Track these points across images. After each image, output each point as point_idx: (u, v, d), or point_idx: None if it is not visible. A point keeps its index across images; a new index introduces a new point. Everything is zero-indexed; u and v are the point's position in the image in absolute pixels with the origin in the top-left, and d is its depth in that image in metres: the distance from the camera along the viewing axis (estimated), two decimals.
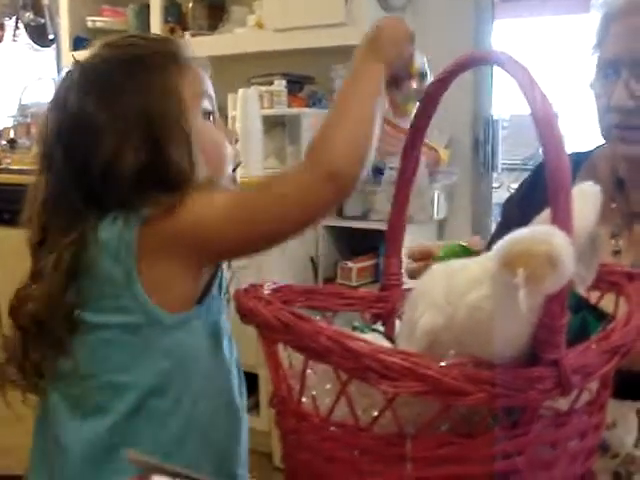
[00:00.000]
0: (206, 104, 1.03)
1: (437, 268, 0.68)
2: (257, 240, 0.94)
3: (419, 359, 0.61)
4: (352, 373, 0.62)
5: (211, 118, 1.04)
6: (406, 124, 0.94)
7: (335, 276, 2.92)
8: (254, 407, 2.72)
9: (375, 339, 0.76)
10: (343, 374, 0.63)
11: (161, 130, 0.94)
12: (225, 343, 1.02)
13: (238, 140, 1.10)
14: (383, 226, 2.82)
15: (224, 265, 1.05)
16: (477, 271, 0.63)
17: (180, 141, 0.95)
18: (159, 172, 0.92)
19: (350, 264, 2.83)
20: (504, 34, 3.10)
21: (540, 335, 0.60)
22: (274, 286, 0.77)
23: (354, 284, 2.81)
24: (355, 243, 3.00)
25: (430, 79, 0.96)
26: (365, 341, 0.62)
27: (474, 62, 0.80)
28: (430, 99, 0.84)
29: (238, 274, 1.10)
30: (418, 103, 0.92)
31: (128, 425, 0.92)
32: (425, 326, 0.64)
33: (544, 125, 0.60)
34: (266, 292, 0.73)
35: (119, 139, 0.92)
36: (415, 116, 0.88)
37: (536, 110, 0.60)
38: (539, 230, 0.57)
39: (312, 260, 2.97)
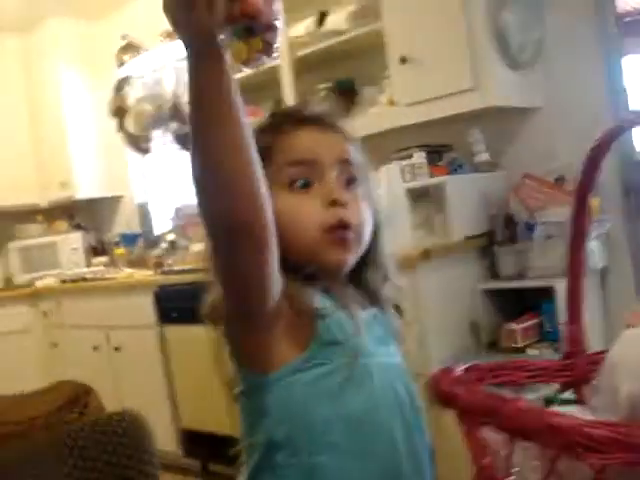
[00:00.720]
0: (291, 173, 1.04)
1: (631, 334, 0.68)
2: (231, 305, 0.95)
3: (625, 428, 0.60)
4: (559, 450, 0.62)
5: (312, 184, 1.04)
6: (260, 62, 0.75)
7: (497, 339, 2.88)
8: None
9: (574, 412, 0.76)
10: (551, 451, 0.64)
11: None
12: (367, 394, 0.99)
13: (336, 201, 1.03)
14: (540, 283, 2.77)
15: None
16: None
17: None
18: None
19: (514, 326, 2.78)
20: (634, 70, 3.04)
21: None
22: (463, 366, 0.78)
23: (519, 346, 2.76)
24: (514, 303, 2.95)
25: None
26: (568, 416, 0.62)
27: (626, 127, 0.81)
28: (590, 166, 0.84)
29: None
30: (263, 33, 0.71)
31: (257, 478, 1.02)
32: (627, 395, 0.64)
33: None
34: (458, 374, 0.75)
35: None
36: (579, 182, 0.88)
37: None
38: None
39: (472, 324, 2.94)
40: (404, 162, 3.00)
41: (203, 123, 0.81)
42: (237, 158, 0.82)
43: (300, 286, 1.00)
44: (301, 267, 1.02)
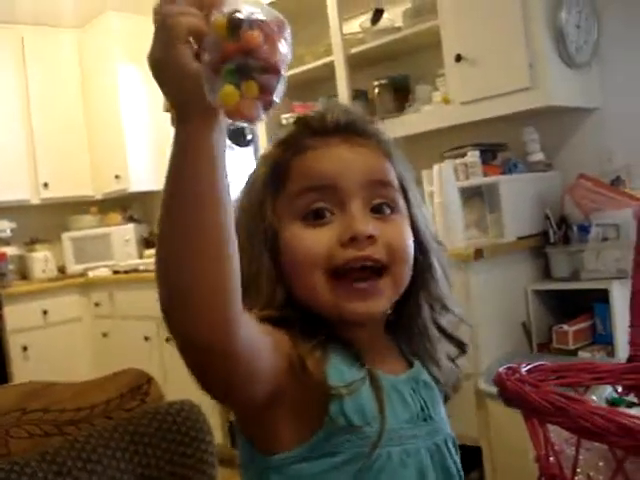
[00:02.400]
0: (305, 201, 0.87)
1: None
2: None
3: None
4: (628, 450, 0.62)
5: (327, 214, 0.86)
6: (255, 112, 0.58)
7: (549, 340, 2.86)
8: None
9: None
10: (619, 452, 0.64)
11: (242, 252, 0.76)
12: None
13: (357, 237, 0.84)
14: (594, 285, 2.74)
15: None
16: None
17: (258, 266, 0.86)
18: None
19: (565, 327, 2.76)
20: None
21: None
22: (528, 367, 0.79)
23: (571, 348, 2.73)
24: (566, 305, 2.93)
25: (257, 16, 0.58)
26: (638, 416, 0.62)
27: None
28: None
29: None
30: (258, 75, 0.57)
31: None
32: None
33: None
34: (523, 373, 0.75)
35: None
36: None
37: None
38: None
39: (524, 325, 2.92)
40: (457, 161, 2.99)
41: (172, 211, 0.65)
42: (213, 271, 0.65)
43: (311, 350, 0.81)
44: (317, 321, 0.86)
